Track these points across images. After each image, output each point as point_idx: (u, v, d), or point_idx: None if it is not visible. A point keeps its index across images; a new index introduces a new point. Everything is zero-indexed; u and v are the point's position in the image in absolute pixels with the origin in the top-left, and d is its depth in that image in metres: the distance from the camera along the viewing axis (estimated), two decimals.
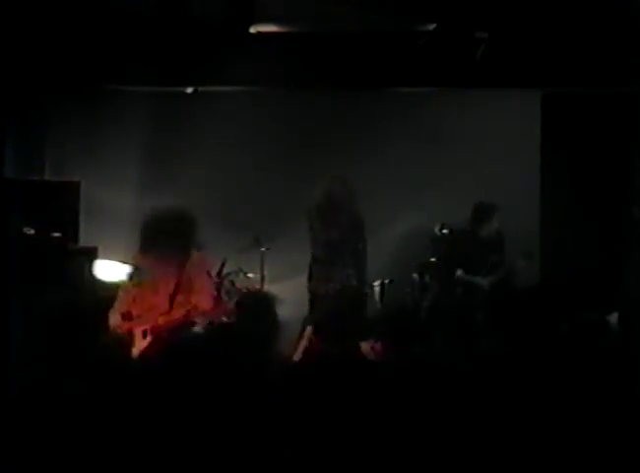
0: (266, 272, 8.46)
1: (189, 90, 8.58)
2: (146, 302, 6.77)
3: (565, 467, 3.87)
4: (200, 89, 8.56)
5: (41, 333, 4.44)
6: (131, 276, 6.74)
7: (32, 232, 7.69)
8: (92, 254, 8.00)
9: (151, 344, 6.17)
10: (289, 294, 7.95)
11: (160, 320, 6.56)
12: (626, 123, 8.40)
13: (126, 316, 6.70)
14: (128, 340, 5.79)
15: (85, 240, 8.35)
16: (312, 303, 7.66)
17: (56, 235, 7.90)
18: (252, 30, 7.67)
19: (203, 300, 6.64)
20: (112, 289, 7.84)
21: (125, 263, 8.20)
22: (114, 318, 6.66)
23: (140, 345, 6.44)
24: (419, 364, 4.26)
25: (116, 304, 6.75)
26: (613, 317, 5.85)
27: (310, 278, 7.88)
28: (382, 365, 4.47)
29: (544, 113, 8.83)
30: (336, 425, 3.92)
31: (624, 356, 4.45)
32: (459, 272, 8.09)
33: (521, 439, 3.90)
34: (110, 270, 8.15)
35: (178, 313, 6.60)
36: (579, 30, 7.67)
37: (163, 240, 6.69)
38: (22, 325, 5.21)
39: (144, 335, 6.51)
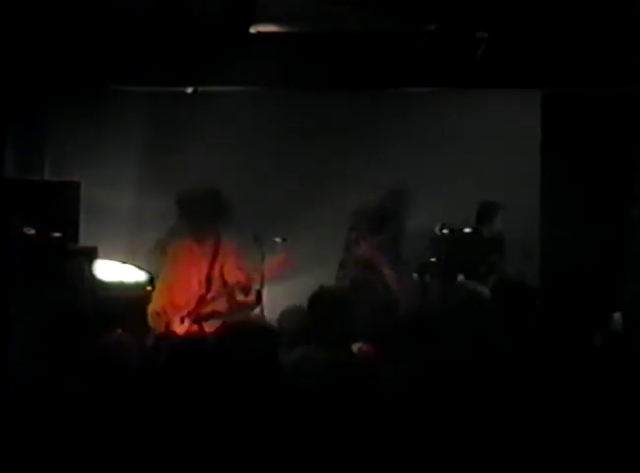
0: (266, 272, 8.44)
1: (189, 90, 8.57)
2: (181, 295, 6.88)
3: (566, 468, 3.87)
4: (200, 89, 8.55)
5: (41, 333, 4.44)
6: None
7: (33, 232, 7.68)
8: (92, 254, 7.99)
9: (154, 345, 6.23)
10: (290, 294, 7.94)
11: (196, 305, 6.71)
12: (626, 123, 8.40)
13: (160, 314, 6.83)
14: (131, 339, 5.81)
15: (85, 240, 8.34)
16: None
17: (56, 235, 7.89)
18: (252, 30, 7.67)
19: (236, 276, 6.79)
20: (112, 289, 7.86)
21: (125, 263, 8.23)
22: (151, 317, 6.79)
23: (179, 330, 6.57)
24: (419, 363, 4.26)
25: (151, 305, 6.88)
26: (615, 317, 5.86)
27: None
28: (381, 366, 4.47)
29: (543, 113, 8.83)
30: (335, 429, 3.92)
31: (625, 355, 4.45)
32: (460, 277, 8.11)
33: (522, 440, 3.90)
34: (110, 270, 8.15)
35: (213, 294, 6.76)
36: (579, 30, 7.66)
37: (194, 220, 6.84)
38: (22, 325, 5.21)
39: (181, 321, 6.66)
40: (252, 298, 7.16)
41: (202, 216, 6.94)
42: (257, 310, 8.10)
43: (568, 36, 7.76)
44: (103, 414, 3.96)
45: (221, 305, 6.87)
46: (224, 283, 6.90)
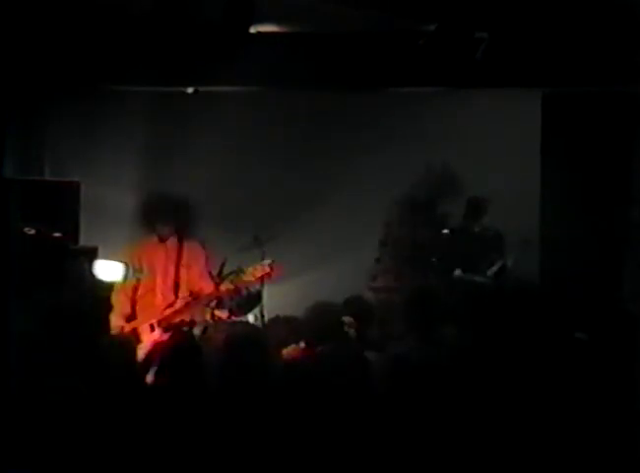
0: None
1: (189, 90, 8.58)
2: (147, 299, 6.88)
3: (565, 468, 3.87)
4: (200, 89, 8.55)
5: (42, 333, 4.44)
6: (126, 275, 6.84)
7: (33, 232, 7.68)
8: (92, 254, 7.99)
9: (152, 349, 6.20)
10: (290, 294, 7.95)
11: (167, 312, 6.69)
12: (626, 123, 8.40)
13: (130, 317, 6.82)
14: (131, 339, 5.81)
15: (85, 240, 8.35)
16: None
17: (56, 234, 7.90)
18: (252, 30, 7.67)
19: (202, 286, 6.80)
20: (112, 289, 7.86)
21: (123, 263, 8.22)
22: (116, 321, 6.77)
23: (150, 338, 6.53)
24: (420, 363, 4.26)
25: (116, 306, 6.86)
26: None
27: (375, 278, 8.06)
28: (382, 364, 4.47)
29: (544, 113, 8.83)
30: (332, 427, 3.92)
31: (624, 356, 4.45)
32: (457, 271, 8.11)
33: (520, 439, 3.90)
34: (110, 270, 8.13)
35: (182, 303, 6.75)
36: (579, 29, 7.66)
37: (156, 224, 6.88)
38: (22, 325, 5.20)
39: (152, 328, 6.65)
40: (225, 313, 7.21)
41: (159, 216, 6.98)
42: (256, 311, 8.14)
43: (568, 37, 7.76)
44: (104, 414, 3.97)
45: (190, 315, 6.82)
46: (191, 292, 6.88)
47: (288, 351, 5.34)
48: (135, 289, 6.96)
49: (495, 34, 7.64)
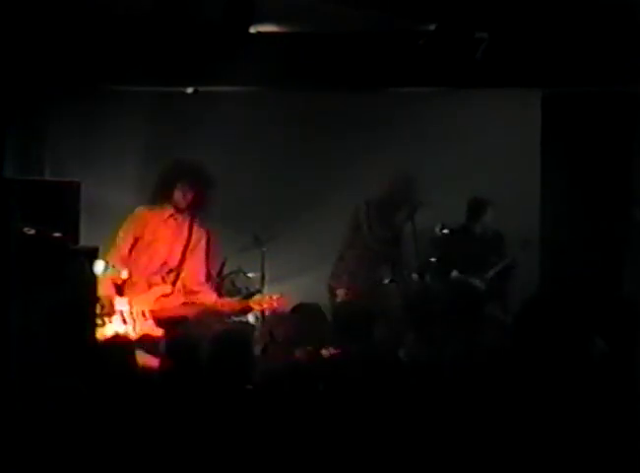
0: (266, 272, 8.45)
1: (189, 90, 8.58)
2: (142, 263, 6.77)
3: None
4: (200, 89, 8.55)
5: (42, 333, 4.45)
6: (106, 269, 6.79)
7: (32, 232, 7.68)
8: (92, 254, 7.99)
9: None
10: (289, 293, 7.94)
11: (161, 304, 6.63)
12: (626, 123, 8.41)
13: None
14: (130, 340, 5.80)
15: (85, 240, 8.34)
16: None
17: (56, 235, 7.89)
18: (252, 30, 7.67)
19: (192, 280, 6.72)
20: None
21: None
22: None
23: (142, 327, 6.46)
24: (419, 363, 4.26)
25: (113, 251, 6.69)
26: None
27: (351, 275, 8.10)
28: (381, 365, 4.47)
29: (544, 113, 8.83)
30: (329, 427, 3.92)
31: (624, 357, 4.45)
32: (455, 273, 8.12)
33: (519, 441, 3.90)
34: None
35: (177, 300, 6.68)
36: (579, 30, 7.67)
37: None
38: (22, 326, 5.21)
39: (143, 314, 6.58)
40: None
41: (182, 178, 6.87)
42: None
43: (568, 36, 7.76)
44: (104, 413, 3.97)
45: (184, 309, 6.76)
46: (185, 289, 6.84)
47: (297, 353, 5.36)
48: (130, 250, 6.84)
49: (495, 34, 7.64)
